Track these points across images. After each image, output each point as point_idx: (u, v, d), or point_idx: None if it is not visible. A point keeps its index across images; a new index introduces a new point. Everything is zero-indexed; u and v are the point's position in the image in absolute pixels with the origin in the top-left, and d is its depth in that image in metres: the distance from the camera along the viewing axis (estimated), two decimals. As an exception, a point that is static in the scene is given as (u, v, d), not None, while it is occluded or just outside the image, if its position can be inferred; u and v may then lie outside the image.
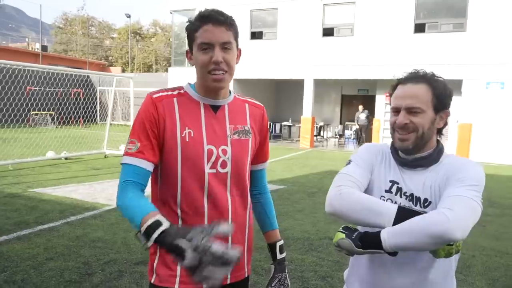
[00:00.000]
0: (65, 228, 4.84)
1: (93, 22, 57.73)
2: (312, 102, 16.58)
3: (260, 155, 1.64)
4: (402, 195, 1.38)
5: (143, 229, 1.18)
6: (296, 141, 18.23)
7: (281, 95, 21.03)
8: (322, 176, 9.32)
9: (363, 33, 15.26)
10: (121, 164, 1.40)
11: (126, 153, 1.39)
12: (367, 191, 1.42)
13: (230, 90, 1.54)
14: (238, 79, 16.88)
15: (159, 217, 1.18)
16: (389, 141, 1.48)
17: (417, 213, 1.23)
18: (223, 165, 1.45)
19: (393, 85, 1.45)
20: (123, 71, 40.88)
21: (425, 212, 1.24)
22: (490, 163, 13.06)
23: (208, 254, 1.02)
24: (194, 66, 1.47)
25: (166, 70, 28.65)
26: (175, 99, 1.45)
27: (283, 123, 19.09)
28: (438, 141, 1.43)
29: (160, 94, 1.45)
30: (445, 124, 1.42)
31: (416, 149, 1.38)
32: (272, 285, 1.62)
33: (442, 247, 1.20)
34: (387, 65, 14.23)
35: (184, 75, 16.52)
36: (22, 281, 3.41)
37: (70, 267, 3.71)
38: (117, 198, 1.36)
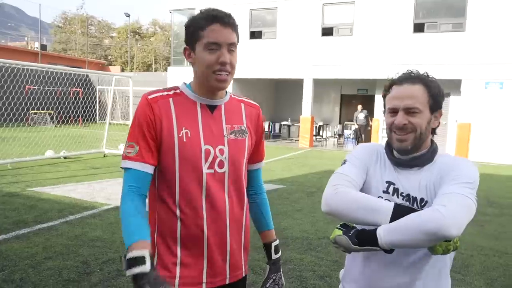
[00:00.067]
0: (63, 227, 4.83)
1: (92, 21, 57.70)
2: (312, 101, 16.58)
3: (256, 155, 1.64)
4: (399, 196, 1.39)
5: (128, 256, 1.23)
6: (296, 140, 18.24)
7: (281, 94, 21.03)
8: (321, 175, 9.32)
9: (362, 32, 15.27)
10: (122, 168, 1.41)
11: (126, 157, 1.39)
12: (364, 191, 1.42)
13: (225, 90, 1.54)
14: (237, 78, 16.87)
15: (145, 252, 1.23)
16: None
17: (414, 210, 1.24)
18: (221, 165, 1.45)
19: (387, 86, 1.45)
20: (123, 70, 40.85)
21: None
22: (489, 162, 13.08)
23: None
24: (192, 64, 1.46)
25: (166, 70, 28.63)
26: (171, 99, 1.44)
27: (283, 123, 19.09)
28: (432, 141, 1.44)
29: (156, 95, 1.44)
30: (439, 123, 1.43)
31: (414, 149, 1.39)
32: (267, 286, 1.62)
33: (439, 243, 1.20)
34: (386, 65, 14.24)
35: (183, 75, 16.48)
36: (20, 280, 3.40)
37: (68, 266, 3.71)
38: (120, 201, 1.38)
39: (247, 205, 1.60)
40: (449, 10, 14.24)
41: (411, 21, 14.44)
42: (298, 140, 17.38)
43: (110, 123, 12.16)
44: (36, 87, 19.11)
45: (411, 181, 1.39)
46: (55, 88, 20.36)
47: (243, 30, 16.54)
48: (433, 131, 1.43)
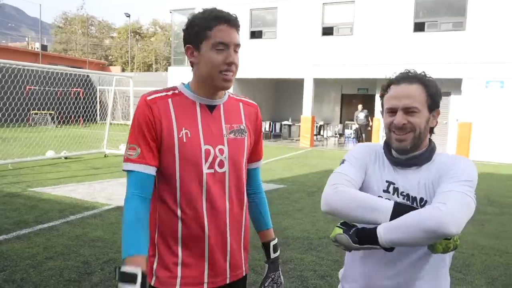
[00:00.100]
0: (64, 228, 4.84)
1: (93, 21, 57.75)
2: (312, 101, 16.58)
3: (254, 154, 1.64)
4: (399, 195, 1.39)
5: (121, 269, 1.26)
6: (296, 140, 18.23)
7: (281, 94, 21.03)
8: (322, 175, 9.32)
9: (362, 32, 15.26)
10: (125, 171, 1.40)
11: (128, 159, 1.39)
12: (363, 191, 1.41)
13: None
14: (238, 78, 16.85)
15: (138, 271, 1.25)
16: None
17: (414, 209, 1.24)
18: (221, 164, 1.46)
19: (384, 86, 1.45)
20: (123, 70, 40.87)
21: None
22: (490, 161, 13.07)
23: None
24: (193, 63, 1.44)
25: (166, 70, 28.64)
26: (169, 100, 1.44)
27: (283, 123, 19.08)
28: (430, 140, 1.44)
29: (154, 96, 1.43)
30: (437, 122, 1.43)
31: (413, 148, 1.39)
32: (265, 285, 1.63)
33: (439, 241, 1.20)
34: (386, 64, 14.22)
35: (184, 74, 16.49)
36: (21, 280, 3.41)
37: (69, 266, 3.71)
38: (123, 207, 1.39)
39: (247, 204, 1.61)
40: (449, 9, 14.23)
41: (412, 20, 14.43)
42: (298, 140, 17.38)
43: (110, 123, 12.18)
44: (37, 88, 19.12)
45: (410, 181, 1.39)
46: (56, 89, 20.38)
47: (244, 30, 16.53)
48: (431, 130, 1.43)
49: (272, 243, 1.68)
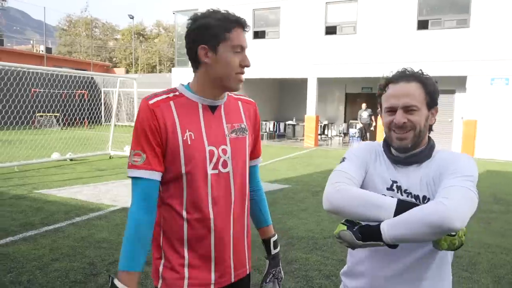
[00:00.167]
0: (70, 229, 4.86)
1: (97, 23, 57.97)
2: (316, 100, 16.55)
3: (253, 151, 1.64)
4: (403, 193, 1.39)
5: (114, 282, 1.34)
6: (301, 140, 18.21)
7: (285, 94, 21.01)
8: (326, 175, 9.27)
9: (366, 31, 15.22)
10: (130, 177, 1.39)
11: (134, 166, 1.37)
12: (367, 189, 1.41)
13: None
14: (242, 78, 16.86)
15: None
16: None
17: (417, 205, 1.23)
18: (224, 165, 1.46)
19: (382, 84, 1.44)
20: (127, 72, 41.02)
21: None
22: (496, 159, 12.99)
23: None
24: (204, 64, 1.41)
25: (170, 71, 28.71)
26: (171, 103, 1.42)
27: (287, 122, 19.06)
28: (429, 137, 1.44)
29: (156, 99, 1.40)
30: (435, 120, 1.43)
31: (414, 147, 1.39)
32: (267, 281, 1.66)
33: (443, 237, 1.19)
34: (390, 63, 14.13)
35: (188, 75, 16.52)
36: (28, 281, 3.43)
37: (75, 268, 3.73)
38: (127, 218, 1.41)
39: (249, 203, 1.61)
40: (453, 7, 14.16)
41: (415, 18, 14.37)
42: (303, 140, 17.36)
43: (115, 125, 12.22)
44: (42, 90, 19.24)
45: (411, 179, 1.39)
46: (61, 91, 20.51)
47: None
48: (430, 128, 1.43)
49: (272, 239, 1.70)
